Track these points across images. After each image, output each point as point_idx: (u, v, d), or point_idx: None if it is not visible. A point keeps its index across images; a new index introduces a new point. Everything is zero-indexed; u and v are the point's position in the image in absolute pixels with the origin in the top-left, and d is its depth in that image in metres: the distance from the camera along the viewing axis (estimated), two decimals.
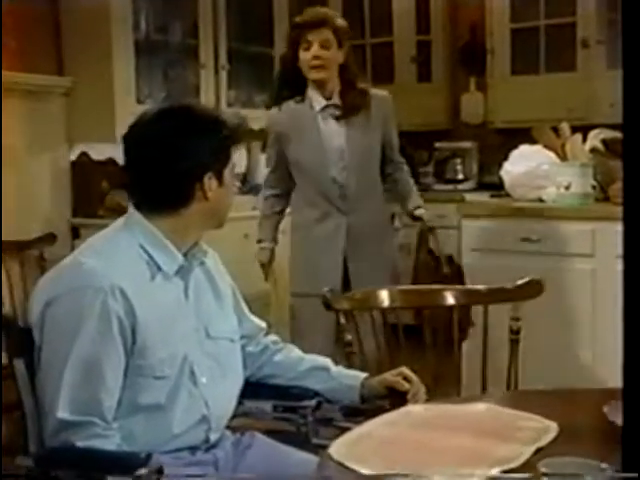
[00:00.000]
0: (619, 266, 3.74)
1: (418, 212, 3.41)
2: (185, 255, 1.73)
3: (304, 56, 3.11)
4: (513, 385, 2.31)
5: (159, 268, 1.68)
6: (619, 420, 1.48)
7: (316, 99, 3.18)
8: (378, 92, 3.29)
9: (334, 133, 3.18)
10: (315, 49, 3.10)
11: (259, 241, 3.35)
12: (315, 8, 3.34)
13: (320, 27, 3.13)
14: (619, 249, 3.64)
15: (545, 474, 1.12)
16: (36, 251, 3.58)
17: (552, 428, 1.55)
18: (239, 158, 4.42)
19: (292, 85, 3.22)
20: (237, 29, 4.33)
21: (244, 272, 4.26)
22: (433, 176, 5.56)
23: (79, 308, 1.58)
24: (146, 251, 1.68)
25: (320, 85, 3.16)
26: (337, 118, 3.18)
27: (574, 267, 3.51)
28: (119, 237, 1.71)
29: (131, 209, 1.74)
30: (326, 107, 3.19)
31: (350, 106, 3.17)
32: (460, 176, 5.49)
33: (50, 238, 3.65)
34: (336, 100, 3.18)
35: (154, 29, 4.07)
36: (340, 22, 3.22)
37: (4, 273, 3.40)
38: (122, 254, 1.67)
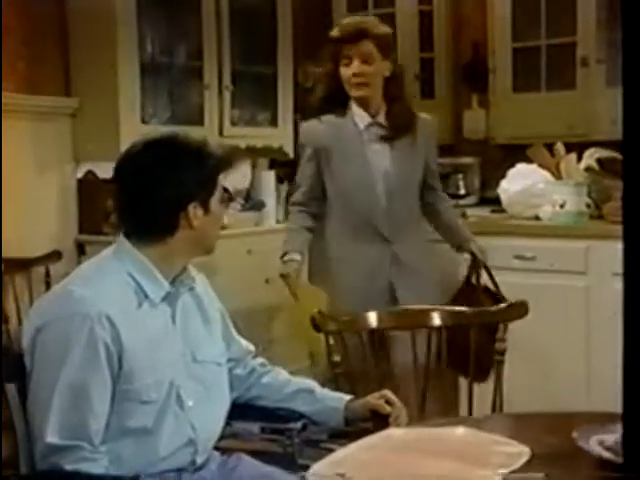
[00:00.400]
0: (613, 283, 3.79)
1: (472, 247, 3.14)
2: (173, 281, 1.77)
3: (345, 72, 2.89)
4: (498, 408, 2.34)
5: (146, 296, 1.72)
6: (587, 446, 1.51)
7: (359, 115, 2.96)
8: (423, 114, 3.08)
9: (379, 154, 2.97)
10: (355, 65, 2.87)
11: (285, 253, 3.00)
12: (352, 19, 3.08)
13: (359, 40, 2.88)
14: (613, 266, 3.69)
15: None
16: (42, 268, 3.62)
17: (525, 452, 1.58)
18: (241, 178, 4.44)
19: (334, 100, 2.98)
20: (241, 50, 4.36)
21: (247, 287, 4.35)
22: None
23: (67, 335, 1.62)
24: (134, 279, 1.72)
25: (363, 102, 2.94)
26: (382, 138, 2.97)
27: (568, 284, 3.54)
28: (108, 265, 1.75)
29: (121, 237, 1.78)
30: (370, 125, 2.97)
31: (396, 126, 2.95)
32: (462, 191, 5.50)
33: (56, 255, 3.69)
34: (381, 119, 2.97)
35: (159, 51, 4.10)
36: (382, 30, 2.96)
37: (11, 291, 3.45)
38: (110, 282, 1.70)
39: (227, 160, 1.80)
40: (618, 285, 4.04)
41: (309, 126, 3.04)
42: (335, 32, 2.94)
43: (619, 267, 3.93)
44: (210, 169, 1.75)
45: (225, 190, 1.80)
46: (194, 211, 1.72)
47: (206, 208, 1.74)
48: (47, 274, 3.62)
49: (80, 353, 1.62)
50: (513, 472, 1.50)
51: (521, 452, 1.59)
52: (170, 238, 1.74)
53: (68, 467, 1.59)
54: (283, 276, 2.97)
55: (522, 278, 3.52)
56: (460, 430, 1.74)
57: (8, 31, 3.66)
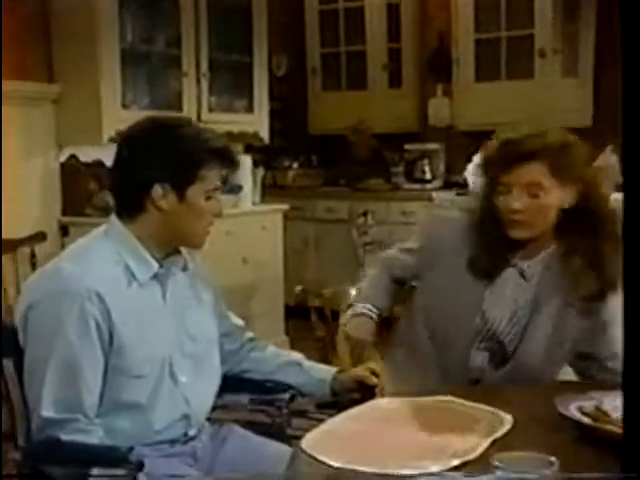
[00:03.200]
0: None
1: None
2: (164, 260, 1.72)
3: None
4: None
5: (133, 275, 1.67)
6: (566, 412, 1.50)
7: None
8: None
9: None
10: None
11: (351, 305, 2.08)
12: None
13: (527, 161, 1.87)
14: None
15: (497, 467, 1.13)
16: (27, 249, 3.55)
17: (507, 420, 1.57)
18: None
19: None
20: (218, 40, 4.31)
21: (225, 267, 4.31)
22: (403, 176, 5.58)
23: (58, 312, 1.57)
24: (122, 258, 1.67)
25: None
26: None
27: None
28: (98, 244, 1.69)
29: (112, 216, 1.73)
30: None
31: None
32: (428, 176, 5.51)
33: (41, 236, 3.62)
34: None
35: (139, 39, 4.04)
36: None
37: None
38: (100, 260, 1.65)
39: (217, 155, 1.67)
40: None
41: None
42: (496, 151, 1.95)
43: None
44: (184, 155, 1.64)
45: (217, 189, 1.68)
46: (162, 192, 1.64)
47: (181, 196, 1.65)
48: (32, 255, 3.54)
49: (71, 329, 1.57)
50: (496, 440, 1.48)
51: (503, 419, 1.57)
52: (143, 218, 1.67)
53: (64, 437, 1.56)
54: (350, 338, 2.03)
55: None
56: (443, 399, 1.72)
57: None
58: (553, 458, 1.14)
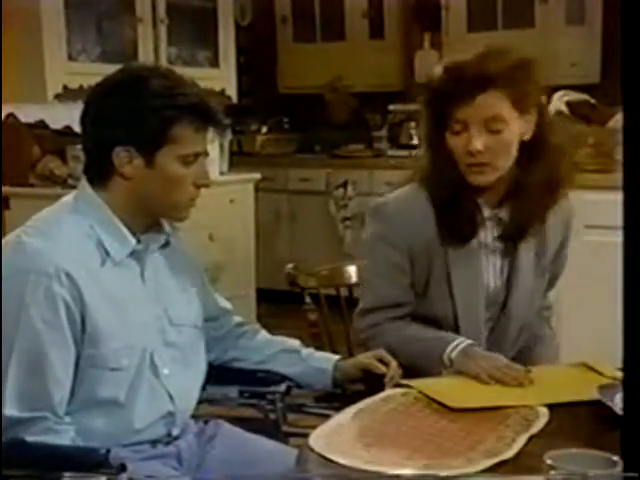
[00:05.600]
0: (586, 236, 3.78)
1: None
2: (143, 235, 1.68)
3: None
4: None
5: (107, 253, 1.63)
6: (611, 404, 1.49)
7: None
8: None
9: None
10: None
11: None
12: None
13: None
14: (586, 219, 3.67)
15: (552, 467, 1.11)
16: None
17: (543, 413, 1.56)
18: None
19: None
20: None
21: (190, 244, 4.27)
22: (387, 141, 5.55)
23: (21, 294, 1.53)
24: (95, 232, 1.62)
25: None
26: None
27: None
28: (67, 215, 1.64)
29: (83, 181, 1.68)
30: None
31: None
32: (415, 141, 5.48)
33: None
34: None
35: None
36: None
37: None
38: (69, 234, 1.60)
39: (192, 112, 1.61)
40: (590, 237, 4.07)
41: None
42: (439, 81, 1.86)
43: (592, 219, 3.96)
44: (149, 112, 1.59)
45: (198, 155, 1.64)
46: (127, 157, 1.60)
47: (148, 160, 1.60)
48: None
49: (37, 314, 1.53)
50: (533, 436, 1.47)
51: (538, 412, 1.56)
52: (112, 186, 1.64)
53: (30, 439, 1.52)
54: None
55: None
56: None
57: None
58: (616, 457, 1.12)
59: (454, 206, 1.86)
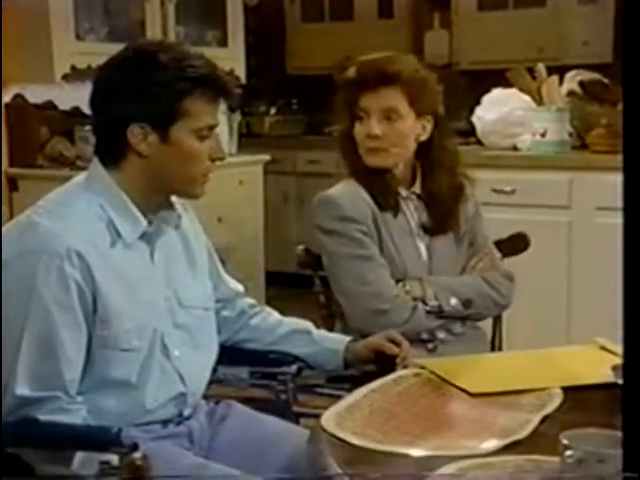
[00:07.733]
0: (597, 218, 3.78)
1: None
2: (154, 216, 1.68)
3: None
4: (497, 349, 2.33)
5: (119, 234, 1.63)
6: None
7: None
8: None
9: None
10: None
11: None
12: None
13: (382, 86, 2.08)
14: (598, 200, 3.66)
15: (567, 447, 1.11)
16: None
17: (557, 394, 1.56)
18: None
19: None
20: None
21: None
22: None
23: (33, 274, 1.52)
24: (106, 212, 1.62)
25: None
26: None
27: (550, 219, 3.53)
28: (79, 195, 1.64)
29: (94, 160, 1.67)
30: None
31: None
32: None
33: None
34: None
35: None
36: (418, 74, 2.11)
37: None
38: (81, 215, 1.60)
39: (203, 84, 1.60)
40: (602, 219, 4.03)
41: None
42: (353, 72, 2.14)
43: (604, 200, 3.92)
44: (160, 86, 1.58)
45: (212, 127, 1.63)
46: (142, 134, 1.59)
47: (163, 136, 1.60)
48: None
49: (49, 294, 1.53)
50: (547, 416, 1.47)
51: (551, 393, 1.56)
52: (126, 165, 1.63)
53: (42, 418, 1.52)
54: None
55: (501, 213, 3.48)
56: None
57: None
58: None
59: (373, 182, 2.13)
